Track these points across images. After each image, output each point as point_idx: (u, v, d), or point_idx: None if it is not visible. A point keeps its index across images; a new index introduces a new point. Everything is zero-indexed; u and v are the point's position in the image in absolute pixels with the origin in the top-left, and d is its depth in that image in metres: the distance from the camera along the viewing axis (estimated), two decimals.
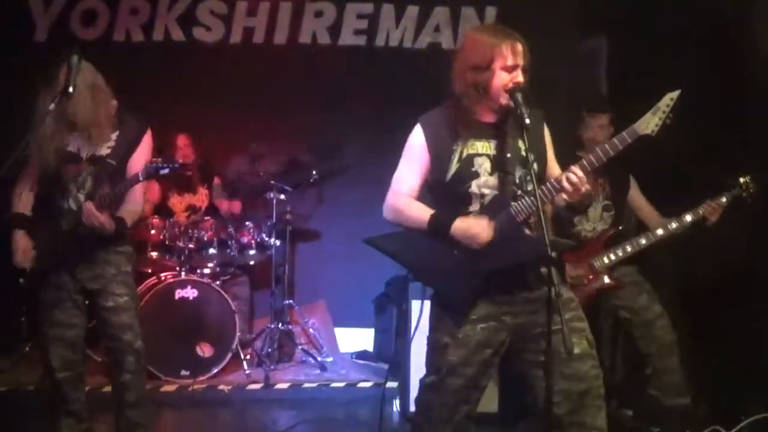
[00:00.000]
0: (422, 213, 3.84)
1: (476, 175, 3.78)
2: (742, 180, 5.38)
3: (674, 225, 5.48)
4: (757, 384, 5.57)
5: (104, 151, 4.80)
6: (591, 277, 5.50)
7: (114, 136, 4.82)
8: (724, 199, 5.41)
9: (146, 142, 4.93)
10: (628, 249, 5.54)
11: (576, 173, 3.58)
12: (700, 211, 5.44)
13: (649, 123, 3.59)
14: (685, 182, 5.99)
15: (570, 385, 3.66)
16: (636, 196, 5.91)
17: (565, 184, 3.60)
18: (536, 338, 3.70)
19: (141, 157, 4.84)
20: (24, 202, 4.87)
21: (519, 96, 3.65)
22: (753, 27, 5.79)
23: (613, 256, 5.55)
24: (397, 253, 3.96)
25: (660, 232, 5.51)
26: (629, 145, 3.62)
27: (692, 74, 6.06)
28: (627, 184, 5.86)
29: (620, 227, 5.69)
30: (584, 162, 3.64)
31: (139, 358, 4.87)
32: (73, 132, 4.75)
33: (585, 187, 3.60)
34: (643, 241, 5.53)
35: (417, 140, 3.92)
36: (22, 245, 4.78)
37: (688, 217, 5.47)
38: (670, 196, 5.82)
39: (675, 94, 3.59)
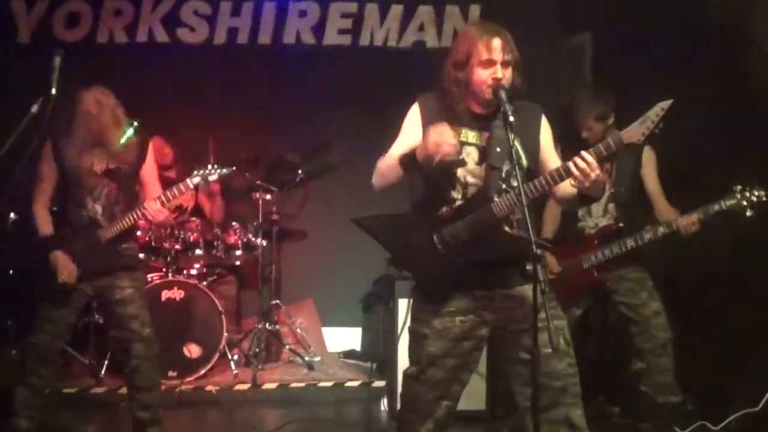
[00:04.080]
0: (394, 155, 3.80)
1: (463, 162, 3.78)
2: (739, 188, 5.16)
3: (649, 235, 5.45)
4: (744, 379, 5.59)
5: (114, 163, 5.11)
6: (579, 272, 5.50)
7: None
8: (696, 216, 5.28)
9: (151, 150, 5.33)
10: (616, 249, 5.50)
11: (585, 158, 3.53)
12: (674, 226, 5.36)
13: (636, 132, 3.53)
14: (674, 185, 5.95)
15: (546, 382, 3.66)
16: (650, 175, 5.74)
17: (574, 169, 3.56)
18: (515, 334, 3.72)
19: (151, 163, 5.32)
20: (47, 221, 5.09)
21: (502, 93, 3.64)
22: (742, 20, 5.78)
23: (600, 255, 5.51)
24: (381, 234, 3.97)
25: (648, 236, 5.47)
26: (614, 152, 3.60)
27: (677, 69, 6.08)
28: (638, 165, 5.70)
29: (621, 224, 5.63)
30: (594, 149, 3.57)
31: (148, 345, 5.11)
32: (91, 149, 5.04)
33: (595, 173, 3.55)
34: (631, 243, 5.47)
35: (413, 117, 3.94)
36: (64, 264, 4.97)
37: (662, 229, 5.41)
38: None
39: (666, 104, 3.49)
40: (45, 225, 5.05)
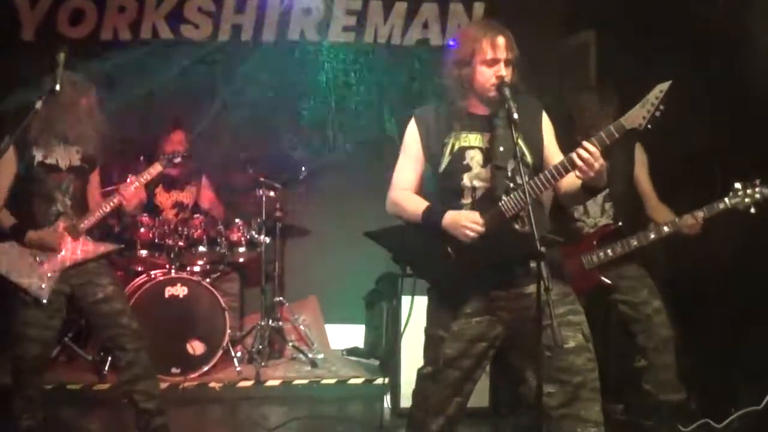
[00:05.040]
0: (417, 207, 3.87)
1: (468, 168, 3.81)
2: (741, 186, 5.14)
3: (653, 235, 5.45)
4: (747, 377, 5.59)
5: (77, 161, 5.11)
6: (580, 273, 5.47)
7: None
8: (700, 214, 5.28)
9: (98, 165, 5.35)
10: (618, 249, 5.45)
11: (588, 148, 3.54)
12: (678, 225, 5.36)
13: (637, 116, 3.53)
14: (674, 184, 5.94)
15: (564, 378, 3.67)
16: (642, 174, 5.76)
17: (577, 160, 3.55)
18: (530, 332, 3.70)
19: (96, 176, 5.33)
20: (6, 214, 4.98)
21: (507, 90, 3.65)
22: (744, 17, 5.77)
23: (602, 255, 5.47)
24: (394, 246, 4.01)
25: (652, 235, 5.45)
26: (617, 139, 3.59)
27: (683, 67, 6.06)
28: (631, 164, 5.72)
29: (620, 223, 5.62)
30: (597, 138, 3.57)
31: (138, 337, 5.09)
32: (57, 143, 5.02)
33: (599, 163, 3.55)
34: (635, 243, 5.44)
35: (411, 134, 3.98)
36: (40, 235, 4.94)
37: (666, 228, 5.42)
38: (661, 197, 5.77)
39: (665, 86, 3.50)
40: (7, 218, 4.96)
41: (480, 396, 5.89)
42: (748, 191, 5.11)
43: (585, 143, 3.55)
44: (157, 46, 8.28)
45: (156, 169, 5.38)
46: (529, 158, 3.80)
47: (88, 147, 5.11)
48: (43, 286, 4.90)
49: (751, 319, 5.58)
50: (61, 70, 4.13)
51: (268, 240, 7.62)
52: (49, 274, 4.92)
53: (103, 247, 5.17)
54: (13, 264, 4.91)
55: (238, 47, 8.45)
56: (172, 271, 7.03)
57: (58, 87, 4.09)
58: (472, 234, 3.68)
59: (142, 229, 6.98)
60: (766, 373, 5.40)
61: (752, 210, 5.11)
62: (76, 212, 5.07)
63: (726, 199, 5.19)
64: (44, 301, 4.90)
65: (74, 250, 5.01)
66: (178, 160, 5.69)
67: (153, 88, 7.94)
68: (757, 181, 5.10)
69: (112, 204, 5.11)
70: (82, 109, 5.00)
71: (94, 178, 5.30)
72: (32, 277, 4.89)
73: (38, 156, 4.97)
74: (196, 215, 7.38)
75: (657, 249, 5.66)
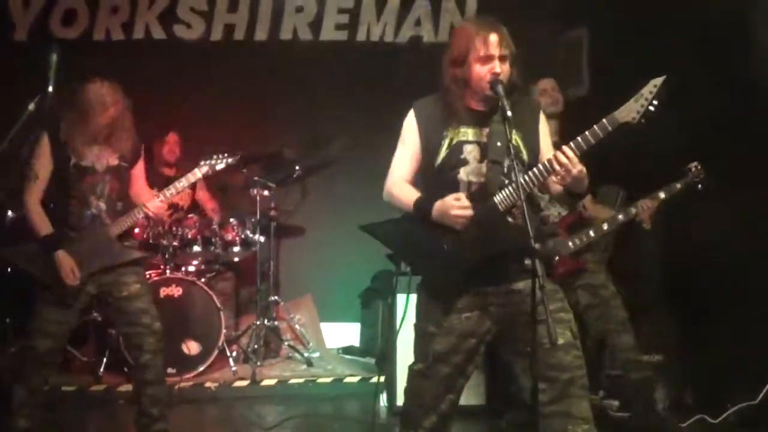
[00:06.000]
0: (409, 198, 3.88)
1: (464, 162, 3.81)
2: (691, 166, 5.52)
3: (621, 217, 5.60)
4: (743, 373, 5.59)
5: (115, 160, 5.10)
6: (556, 260, 5.53)
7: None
8: (662, 195, 5.57)
9: (142, 153, 5.32)
10: (592, 234, 5.59)
11: (566, 153, 3.57)
12: (633, 211, 5.58)
13: (630, 110, 3.57)
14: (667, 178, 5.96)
15: (553, 375, 3.68)
16: None
17: (555, 165, 3.59)
18: (521, 328, 3.71)
19: (141, 165, 5.30)
20: (44, 221, 4.99)
21: (500, 87, 3.65)
22: (741, 13, 5.78)
23: (578, 241, 5.59)
24: (389, 240, 4.00)
25: (621, 217, 5.61)
26: (610, 132, 3.61)
27: (677, 63, 6.06)
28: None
29: (580, 211, 5.74)
30: (573, 144, 3.61)
31: (159, 338, 5.10)
32: (96, 144, 5.04)
33: (577, 169, 3.58)
34: (605, 227, 5.58)
35: (410, 125, 3.97)
36: (68, 265, 4.92)
37: (621, 217, 5.61)
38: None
39: (659, 81, 3.54)
40: (43, 225, 4.96)
41: (475, 394, 5.90)
42: (694, 173, 5.52)
43: (564, 148, 3.58)
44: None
45: (195, 175, 5.30)
46: (525, 156, 3.81)
47: (124, 145, 5.11)
48: (69, 288, 4.92)
49: (746, 315, 5.59)
50: (54, 71, 4.13)
51: (262, 239, 7.61)
52: (71, 282, 4.93)
53: (131, 254, 5.16)
54: (42, 263, 4.92)
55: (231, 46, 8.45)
56: (167, 271, 7.03)
57: (51, 88, 4.09)
58: (462, 219, 3.69)
59: (137, 230, 6.96)
60: (762, 367, 5.41)
61: (699, 187, 5.51)
62: (111, 215, 5.08)
63: (682, 180, 5.55)
64: (68, 302, 4.93)
65: (102, 255, 5.01)
66: (221, 166, 5.39)
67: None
68: (698, 165, 5.52)
69: (138, 216, 5.12)
70: (112, 112, 5.01)
71: (138, 174, 5.28)
72: (58, 279, 4.89)
73: (73, 158, 4.98)
74: (190, 215, 7.37)
75: (653, 244, 5.68)
